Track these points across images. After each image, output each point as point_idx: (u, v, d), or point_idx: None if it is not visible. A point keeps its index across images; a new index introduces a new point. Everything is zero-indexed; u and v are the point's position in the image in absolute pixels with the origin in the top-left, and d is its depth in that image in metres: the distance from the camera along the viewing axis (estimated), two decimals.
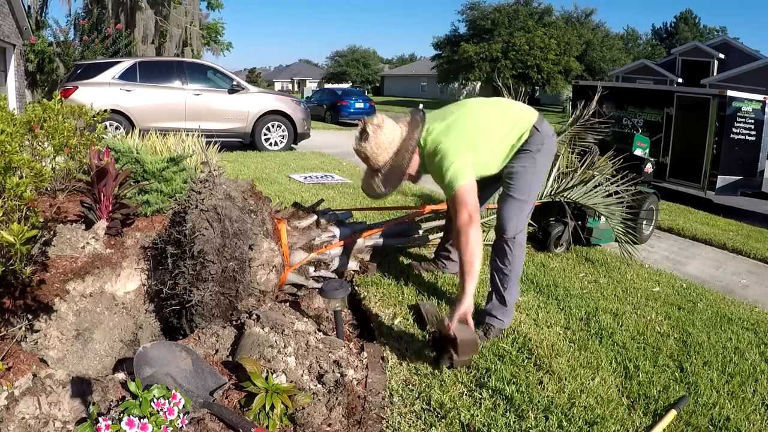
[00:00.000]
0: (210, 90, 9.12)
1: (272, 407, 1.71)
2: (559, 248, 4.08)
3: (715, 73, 26.71)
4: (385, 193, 2.47)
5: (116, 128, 8.07)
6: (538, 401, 2.02)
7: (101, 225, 2.74)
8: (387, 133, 2.36)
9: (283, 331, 2.11)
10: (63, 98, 3.25)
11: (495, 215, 3.73)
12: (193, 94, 8.91)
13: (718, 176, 7.45)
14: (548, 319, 2.77)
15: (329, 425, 1.79)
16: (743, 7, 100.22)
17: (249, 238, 2.37)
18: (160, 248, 2.46)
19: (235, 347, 2.09)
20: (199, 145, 5.12)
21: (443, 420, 1.89)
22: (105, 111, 3.20)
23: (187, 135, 5.37)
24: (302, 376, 1.96)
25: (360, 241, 3.08)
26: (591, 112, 4.42)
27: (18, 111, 7.88)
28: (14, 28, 11.50)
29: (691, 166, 7.69)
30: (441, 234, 3.45)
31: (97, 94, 8.02)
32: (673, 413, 2.02)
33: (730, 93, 7.53)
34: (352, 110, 19.13)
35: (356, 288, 2.91)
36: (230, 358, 2.04)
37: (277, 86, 53.22)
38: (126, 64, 8.79)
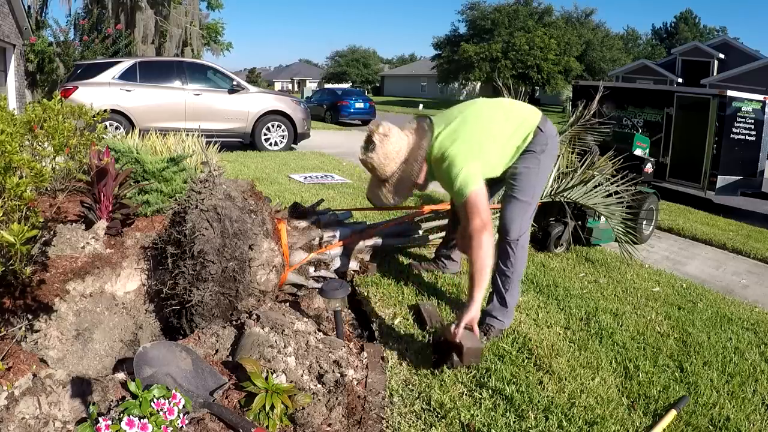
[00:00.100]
0: (210, 90, 9.12)
1: (272, 407, 1.71)
2: (559, 248, 4.08)
3: (715, 73, 26.71)
4: (394, 204, 2.41)
5: (116, 128, 8.07)
6: (538, 401, 2.02)
7: (101, 225, 2.74)
8: (394, 142, 2.30)
9: (283, 331, 2.11)
10: (63, 98, 3.25)
11: (496, 216, 3.74)
12: (193, 94, 8.91)
13: (718, 176, 7.45)
14: (548, 319, 2.77)
15: (329, 425, 1.79)
16: (743, 7, 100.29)
17: (249, 238, 2.37)
18: (160, 248, 2.46)
19: (235, 347, 2.09)
20: (199, 145, 5.12)
21: (443, 420, 1.89)
22: (105, 111, 3.20)
23: (187, 135, 5.37)
24: (302, 376, 1.96)
25: (360, 241, 3.08)
26: (591, 113, 4.42)
27: (18, 111, 7.88)
28: (14, 28, 11.50)
29: (691, 166, 7.69)
30: (441, 234, 3.45)
31: (97, 94, 8.02)
32: (673, 413, 2.02)
33: (730, 93, 7.53)
34: (352, 110, 19.13)
35: (356, 288, 2.91)
36: (230, 358, 2.04)
37: (277, 86, 53.24)
38: (126, 64, 8.79)
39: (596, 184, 3.98)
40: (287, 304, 2.55)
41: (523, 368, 2.24)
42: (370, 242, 3.13)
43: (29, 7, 13.53)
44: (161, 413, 1.57)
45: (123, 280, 2.57)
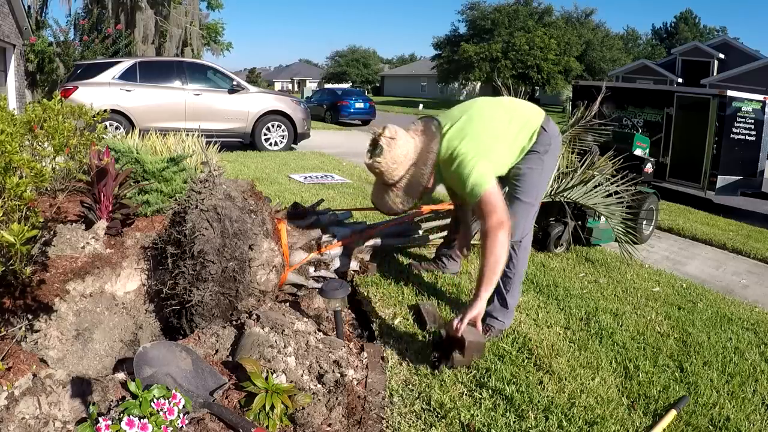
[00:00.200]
0: (210, 90, 9.12)
1: (272, 407, 1.71)
2: (559, 248, 4.08)
3: (715, 73, 26.72)
4: (402, 209, 2.30)
5: (116, 128, 8.07)
6: (538, 401, 2.02)
7: (101, 225, 2.74)
8: (402, 145, 2.21)
9: (283, 331, 2.11)
10: (63, 98, 3.25)
11: None
12: (193, 94, 8.91)
13: (718, 176, 7.45)
14: (548, 319, 2.77)
15: (329, 425, 1.79)
16: (743, 7, 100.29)
17: (249, 238, 2.37)
18: (160, 248, 2.46)
19: (235, 347, 2.09)
20: (199, 145, 5.12)
21: (443, 420, 1.89)
22: (105, 111, 3.20)
23: (187, 135, 5.37)
24: (302, 376, 1.96)
25: (360, 241, 3.08)
26: (593, 113, 4.41)
27: (18, 111, 7.88)
28: (14, 28, 11.50)
29: (691, 166, 7.69)
30: (441, 234, 3.45)
31: (97, 94, 8.02)
32: (673, 413, 2.02)
33: (730, 93, 7.53)
34: (352, 110, 19.12)
35: (356, 288, 2.91)
36: (230, 358, 2.04)
37: (277, 86, 53.25)
38: (126, 64, 8.79)
39: (596, 184, 3.98)
40: (287, 304, 2.55)
41: (523, 368, 2.24)
42: (370, 242, 3.13)
43: (29, 7, 13.53)
44: (161, 413, 1.57)
45: (123, 280, 2.57)
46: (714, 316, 3.13)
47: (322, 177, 6.70)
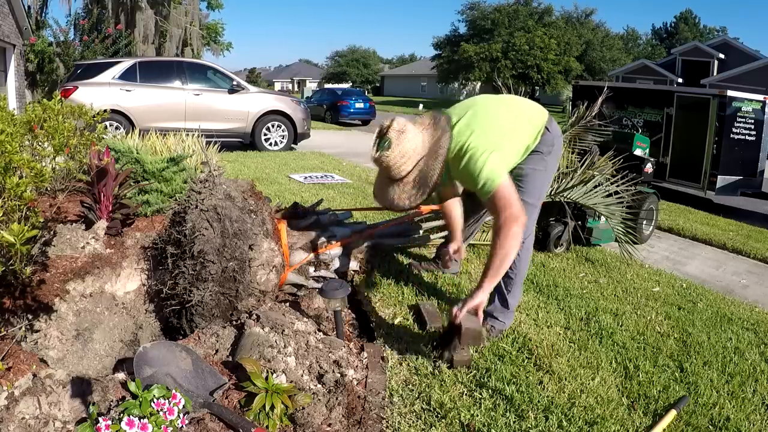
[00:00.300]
0: (210, 90, 9.12)
1: (272, 407, 1.71)
2: (559, 248, 4.08)
3: (715, 73, 26.72)
4: (408, 206, 2.17)
5: (116, 128, 8.07)
6: (538, 401, 2.02)
7: (101, 225, 2.74)
8: (411, 139, 2.11)
9: (283, 331, 2.11)
10: (63, 98, 3.25)
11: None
12: (193, 94, 8.91)
13: (718, 176, 7.45)
14: (548, 319, 2.77)
15: (329, 425, 1.79)
16: (743, 7, 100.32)
17: (249, 238, 2.37)
18: (160, 248, 2.46)
19: (235, 347, 2.09)
20: (199, 145, 5.12)
21: (443, 420, 1.89)
22: (105, 111, 3.20)
23: (187, 135, 5.37)
24: (302, 376, 1.96)
25: (360, 241, 3.08)
26: (593, 113, 4.41)
27: (18, 111, 7.88)
28: (14, 28, 11.51)
29: (691, 166, 7.69)
30: (441, 234, 3.45)
31: (97, 94, 8.03)
32: (673, 413, 2.02)
33: (730, 93, 7.53)
34: (352, 110, 19.12)
35: (356, 288, 2.91)
36: (230, 358, 2.04)
37: (277, 86, 53.25)
38: (126, 64, 8.79)
39: (596, 184, 3.98)
40: (287, 304, 2.55)
41: (523, 368, 2.24)
42: (370, 242, 3.13)
43: (29, 7, 13.54)
44: (161, 413, 1.57)
45: (123, 280, 2.57)
46: (714, 316, 3.13)
47: (322, 177, 6.70)
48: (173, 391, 1.64)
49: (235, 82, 9.32)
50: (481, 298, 2.10)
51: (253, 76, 46.73)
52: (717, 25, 50.85)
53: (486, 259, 2.17)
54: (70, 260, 2.51)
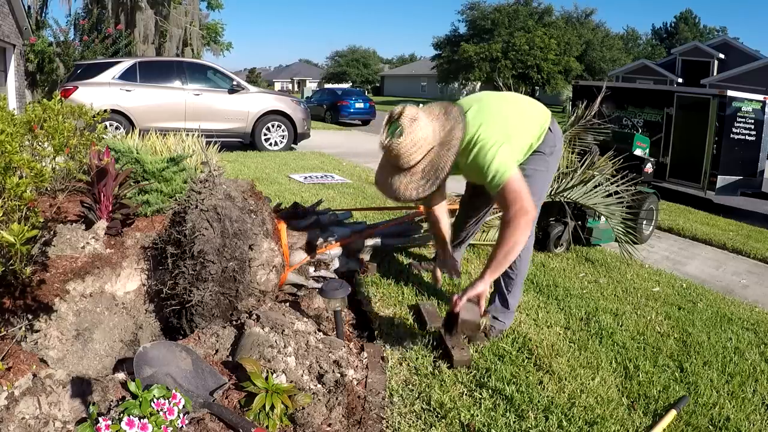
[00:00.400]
0: (210, 90, 9.12)
1: (272, 407, 1.71)
2: (559, 248, 4.08)
3: (715, 73, 26.73)
4: (414, 197, 2.08)
5: (116, 128, 8.07)
6: (538, 401, 2.02)
7: (101, 225, 2.74)
8: (423, 127, 2.02)
9: (283, 331, 2.11)
10: (63, 98, 3.25)
11: (498, 216, 3.74)
12: (193, 94, 8.91)
13: (718, 176, 7.45)
14: (548, 319, 2.77)
15: (329, 425, 1.79)
16: (743, 7, 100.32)
17: (249, 238, 2.37)
18: (160, 248, 2.46)
19: (235, 347, 2.09)
20: (199, 145, 5.12)
21: (443, 420, 1.89)
22: (105, 111, 3.20)
23: (187, 135, 5.37)
24: (302, 376, 1.96)
25: (360, 241, 3.08)
26: (593, 113, 4.42)
27: (18, 111, 7.88)
28: (14, 28, 11.51)
29: (691, 166, 7.69)
30: None
31: (97, 94, 8.03)
32: (673, 413, 2.02)
33: (730, 93, 7.53)
34: (352, 110, 19.13)
35: (356, 288, 2.91)
36: (230, 358, 2.04)
37: (277, 86, 53.23)
38: (126, 64, 8.80)
39: (596, 184, 3.98)
40: (287, 304, 2.55)
41: (523, 368, 2.24)
42: (370, 242, 3.13)
43: (29, 7, 13.54)
44: (161, 413, 1.57)
45: (123, 280, 2.57)
46: (714, 316, 3.13)
47: (322, 177, 6.70)
48: (173, 391, 1.64)
49: (235, 82, 9.32)
50: (482, 288, 2.06)
51: (253, 76, 46.71)
52: (717, 25, 50.91)
53: (491, 251, 2.13)
54: (70, 260, 2.51)
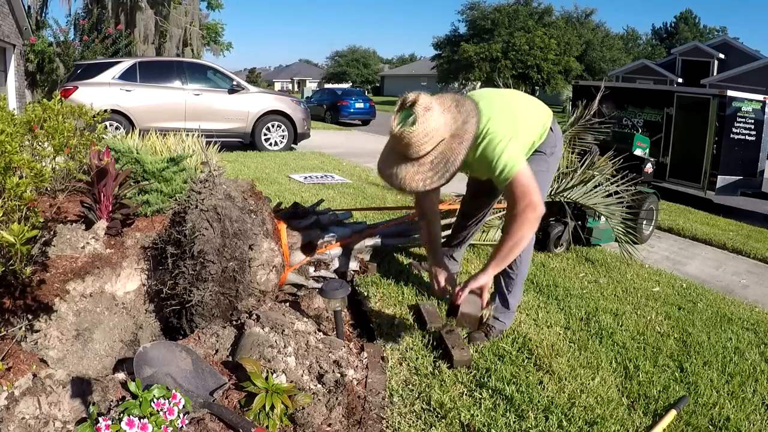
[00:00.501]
0: (210, 90, 9.12)
1: (272, 407, 1.71)
2: (559, 248, 4.08)
3: (715, 73, 26.74)
4: (421, 188, 1.99)
5: (116, 128, 8.07)
6: (538, 401, 2.02)
7: (101, 225, 2.74)
8: (436, 118, 1.95)
9: (283, 331, 2.11)
10: (63, 98, 3.25)
11: (498, 216, 3.74)
12: (193, 94, 8.91)
13: (718, 176, 7.45)
14: (548, 319, 2.77)
15: (329, 425, 1.79)
16: (743, 7, 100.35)
17: (249, 238, 2.37)
18: (160, 248, 2.46)
19: (235, 347, 2.09)
20: (199, 145, 5.12)
21: (443, 420, 1.89)
22: (105, 111, 3.20)
23: (187, 135, 5.37)
24: (302, 376, 1.96)
25: (360, 241, 3.08)
26: (592, 113, 4.42)
27: (18, 111, 7.88)
28: (14, 28, 11.51)
29: (691, 166, 7.69)
30: (442, 234, 3.44)
31: (97, 94, 8.03)
32: (673, 413, 2.02)
33: (730, 93, 7.53)
34: (352, 110, 19.13)
35: (356, 288, 2.91)
36: (230, 358, 2.04)
37: (277, 86, 53.21)
38: (126, 64, 8.80)
39: (596, 184, 3.98)
40: (287, 304, 2.55)
41: (523, 368, 2.24)
42: (370, 242, 3.13)
43: (29, 7, 13.55)
44: (161, 413, 1.57)
45: (123, 280, 2.57)
46: (714, 316, 3.13)
47: (322, 177, 6.70)
48: (173, 391, 1.64)
49: (235, 82, 9.32)
50: (484, 280, 2.05)
51: (253, 76, 46.67)
52: (717, 25, 50.94)
53: (496, 244, 2.11)
54: (70, 260, 2.51)
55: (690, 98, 8.03)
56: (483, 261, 3.49)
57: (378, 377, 2.10)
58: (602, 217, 4.05)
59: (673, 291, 3.53)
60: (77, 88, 8.21)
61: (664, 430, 1.96)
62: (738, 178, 7.62)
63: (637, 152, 5.57)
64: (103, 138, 3.28)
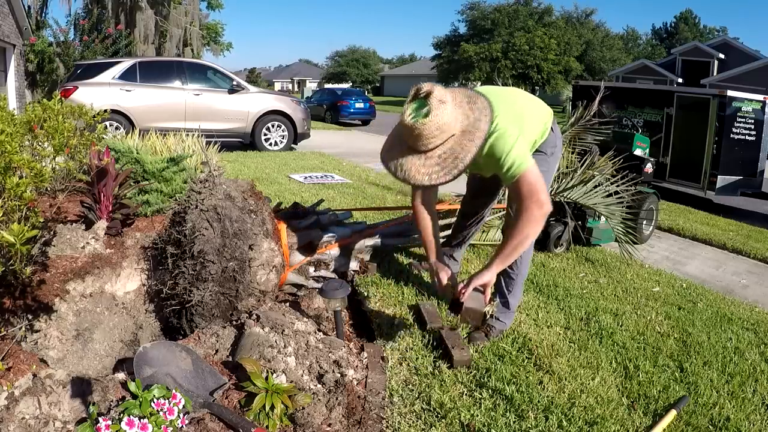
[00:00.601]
0: (210, 90, 9.12)
1: (272, 407, 1.71)
2: (559, 248, 4.08)
3: (715, 73, 26.74)
4: (427, 183, 1.96)
5: (116, 128, 8.07)
6: (538, 401, 2.02)
7: (101, 225, 2.74)
8: (449, 113, 1.91)
9: (283, 331, 2.11)
10: (63, 98, 3.25)
11: (498, 216, 3.74)
12: (193, 94, 8.91)
13: (718, 176, 7.45)
14: (548, 319, 2.77)
15: (329, 425, 1.79)
16: (743, 7, 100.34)
17: (249, 238, 2.37)
18: (160, 248, 2.46)
19: (235, 347, 2.09)
20: (199, 145, 5.12)
21: (443, 420, 1.89)
22: (105, 111, 3.20)
23: (187, 135, 5.37)
24: (302, 376, 1.96)
25: (360, 241, 3.08)
26: (592, 113, 4.42)
27: (18, 111, 7.88)
28: (14, 28, 11.51)
29: (691, 166, 7.69)
30: (442, 234, 3.44)
31: (97, 94, 8.03)
32: (673, 413, 2.02)
33: (730, 93, 7.53)
34: (352, 110, 19.12)
35: (356, 288, 2.91)
36: (230, 358, 2.04)
37: (277, 86, 53.21)
38: (126, 64, 8.80)
39: (596, 184, 3.98)
40: (287, 304, 2.55)
41: (523, 368, 2.24)
42: (370, 242, 3.13)
43: (29, 7, 13.54)
44: (161, 413, 1.57)
45: (123, 280, 2.57)
46: (714, 316, 3.13)
47: (322, 177, 6.70)
48: (173, 391, 1.64)
49: (235, 82, 9.32)
50: (488, 277, 2.04)
51: (253, 76, 46.66)
52: (717, 25, 50.93)
53: (501, 241, 2.10)
54: (70, 260, 2.51)
55: (690, 98, 8.03)
56: (483, 261, 3.49)
57: (378, 377, 2.10)
58: (602, 217, 4.05)
59: (673, 291, 3.53)
60: (77, 88, 8.21)
61: (664, 430, 1.96)
62: (738, 178, 7.62)
63: (637, 152, 5.57)
64: (103, 138, 3.28)
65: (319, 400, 1.84)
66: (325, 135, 13.48)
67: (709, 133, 7.50)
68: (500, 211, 3.65)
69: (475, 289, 2.06)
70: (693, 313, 3.12)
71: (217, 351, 2.09)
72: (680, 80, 27.37)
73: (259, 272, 2.46)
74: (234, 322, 2.26)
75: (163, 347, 1.87)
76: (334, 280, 2.47)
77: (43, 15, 14.79)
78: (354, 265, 3.06)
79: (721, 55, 27.55)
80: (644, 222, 4.91)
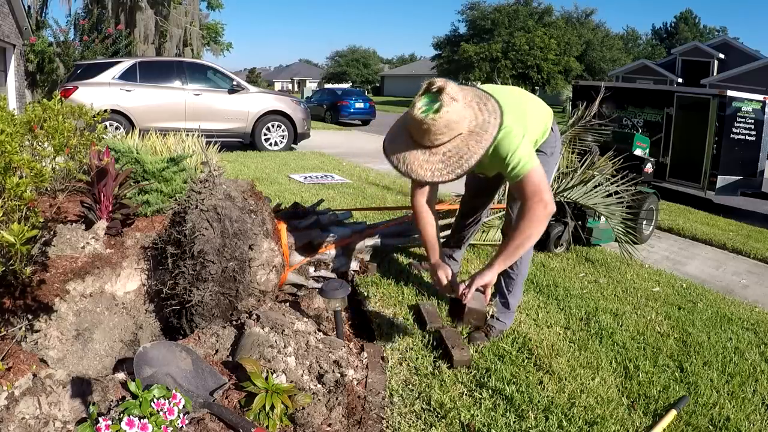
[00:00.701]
0: (210, 90, 9.12)
1: (272, 407, 1.71)
2: (559, 248, 4.08)
3: (715, 73, 26.74)
4: (429, 179, 1.94)
5: (116, 128, 8.07)
6: (538, 401, 2.02)
7: (101, 225, 2.74)
8: (459, 111, 1.89)
9: (283, 331, 2.11)
10: (63, 98, 3.25)
11: (498, 216, 3.74)
12: (193, 94, 8.91)
13: (718, 176, 7.45)
14: (548, 319, 2.77)
15: (329, 425, 1.79)
16: (743, 7, 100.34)
17: (249, 238, 2.37)
18: (160, 248, 2.46)
19: (235, 347, 2.09)
20: (199, 145, 5.12)
21: (443, 420, 1.89)
22: (105, 111, 3.20)
23: (187, 135, 5.37)
24: (302, 376, 1.96)
25: (360, 241, 3.08)
26: (593, 113, 4.42)
27: (18, 111, 7.88)
28: (14, 28, 11.51)
29: (691, 166, 7.69)
30: (442, 234, 3.44)
31: (97, 94, 8.03)
32: (673, 413, 2.02)
33: (730, 93, 7.53)
34: (352, 110, 19.13)
35: (356, 288, 2.91)
36: (230, 358, 2.04)
37: (277, 86, 53.21)
38: (126, 64, 8.80)
39: (596, 184, 3.98)
40: (287, 304, 2.55)
41: (523, 368, 2.24)
42: (370, 242, 3.13)
43: (29, 7, 13.55)
44: (161, 413, 1.57)
45: (123, 280, 2.57)
46: (714, 316, 3.13)
47: (322, 177, 6.70)
48: (173, 391, 1.64)
49: (235, 82, 9.32)
50: (490, 277, 2.03)
51: (253, 76, 46.66)
52: (717, 25, 50.93)
53: (503, 241, 2.10)
54: (70, 260, 2.51)
55: (690, 98, 8.03)
56: (483, 261, 3.49)
57: (378, 377, 2.10)
58: (602, 217, 4.05)
59: (673, 291, 3.53)
60: (77, 88, 8.21)
61: (664, 430, 1.96)
62: (738, 178, 7.63)
63: (637, 152, 5.57)
64: (103, 138, 3.28)
65: (319, 400, 1.84)
66: (325, 135, 13.48)
67: (709, 133, 7.50)
68: (500, 211, 3.65)
69: (476, 289, 2.06)
70: (693, 313, 3.12)
71: (217, 351, 2.09)
72: (680, 80, 27.37)
73: (259, 272, 2.46)
74: (234, 322, 2.26)
75: (163, 347, 1.87)
76: (334, 280, 2.46)
77: (43, 15, 14.80)
78: (354, 265, 3.06)
79: (721, 55, 27.55)
80: (644, 222, 4.91)
